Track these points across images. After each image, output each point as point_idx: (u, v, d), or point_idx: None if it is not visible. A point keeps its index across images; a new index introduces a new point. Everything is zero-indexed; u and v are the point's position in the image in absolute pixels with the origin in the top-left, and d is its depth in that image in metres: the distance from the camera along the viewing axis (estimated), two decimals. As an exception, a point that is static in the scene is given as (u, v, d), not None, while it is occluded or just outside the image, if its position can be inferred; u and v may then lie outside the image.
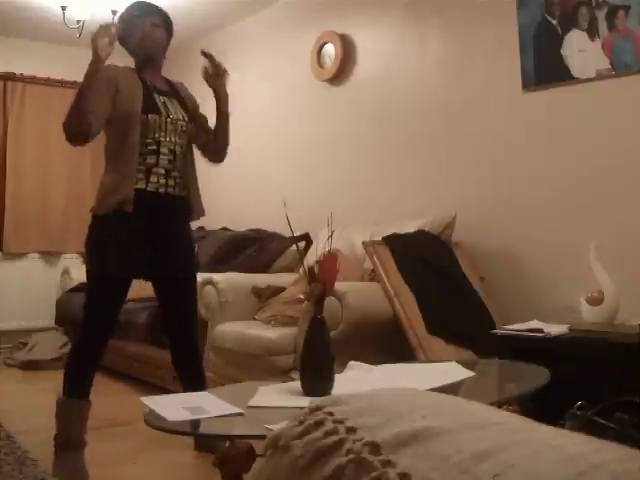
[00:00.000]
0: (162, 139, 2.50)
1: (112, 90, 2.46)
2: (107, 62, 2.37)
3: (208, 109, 2.72)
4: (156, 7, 2.67)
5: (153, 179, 2.50)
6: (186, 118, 2.60)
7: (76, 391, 2.54)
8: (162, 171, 2.52)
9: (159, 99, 2.56)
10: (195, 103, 2.76)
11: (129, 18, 2.61)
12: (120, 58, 2.58)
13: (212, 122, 2.72)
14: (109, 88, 2.45)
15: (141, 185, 2.49)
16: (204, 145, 2.73)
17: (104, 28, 2.30)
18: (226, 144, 2.71)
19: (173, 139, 2.53)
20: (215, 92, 2.60)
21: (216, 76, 2.56)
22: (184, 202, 2.61)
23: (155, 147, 2.50)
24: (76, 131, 2.40)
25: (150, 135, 2.49)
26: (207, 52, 2.54)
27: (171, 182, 2.54)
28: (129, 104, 2.47)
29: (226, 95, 2.61)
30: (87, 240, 2.57)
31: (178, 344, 2.75)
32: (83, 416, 2.56)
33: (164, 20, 2.66)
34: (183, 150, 2.58)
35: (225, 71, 2.57)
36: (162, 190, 2.52)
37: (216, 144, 2.70)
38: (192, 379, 2.67)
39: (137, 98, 2.49)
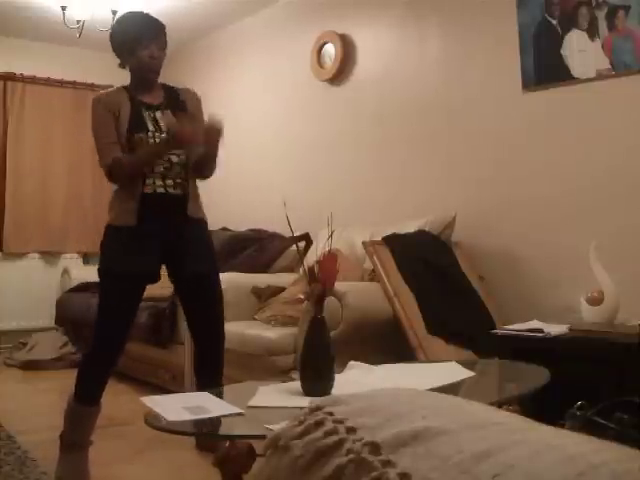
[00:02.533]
0: None
1: (113, 118, 2.50)
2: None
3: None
4: (161, 26, 2.58)
5: (149, 181, 2.51)
6: None
7: (87, 398, 2.53)
8: (157, 175, 2.51)
9: (149, 115, 2.53)
10: (198, 107, 2.70)
11: (136, 37, 2.52)
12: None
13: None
14: (113, 116, 2.50)
15: (139, 188, 2.51)
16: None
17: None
18: (206, 177, 2.67)
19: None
20: (208, 146, 2.55)
21: (214, 135, 2.52)
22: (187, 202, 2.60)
23: None
24: (126, 182, 2.52)
25: None
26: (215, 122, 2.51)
27: (169, 182, 2.53)
28: (121, 127, 2.49)
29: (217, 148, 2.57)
30: (100, 246, 2.61)
31: (200, 343, 2.72)
32: (92, 421, 2.56)
33: (165, 40, 2.61)
34: (182, 157, 2.56)
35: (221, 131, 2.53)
36: (161, 190, 2.52)
37: (195, 173, 2.64)
38: (208, 379, 2.62)
39: (124, 120, 2.49)
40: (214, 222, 4.86)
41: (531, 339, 2.59)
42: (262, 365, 3.29)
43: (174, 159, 2.53)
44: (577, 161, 3.13)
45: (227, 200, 5.27)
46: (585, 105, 3.09)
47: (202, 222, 2.68)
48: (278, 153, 4.97)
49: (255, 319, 3.74)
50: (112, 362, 2.54)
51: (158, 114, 2.55)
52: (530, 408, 1.96)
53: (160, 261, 2.60)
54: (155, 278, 2.61)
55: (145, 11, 2.64)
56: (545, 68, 3.22)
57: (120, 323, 2.52)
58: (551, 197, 3.22)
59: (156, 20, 2.59)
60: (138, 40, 2.51)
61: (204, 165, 2.61)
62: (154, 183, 2.52)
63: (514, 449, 0.45)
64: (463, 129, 3.64)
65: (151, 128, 2.51)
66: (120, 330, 2.53)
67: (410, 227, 3.43)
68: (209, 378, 2.63)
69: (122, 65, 2.62)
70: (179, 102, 2.63)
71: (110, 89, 2.62)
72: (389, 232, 3.33)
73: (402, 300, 2.97)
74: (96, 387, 2.53)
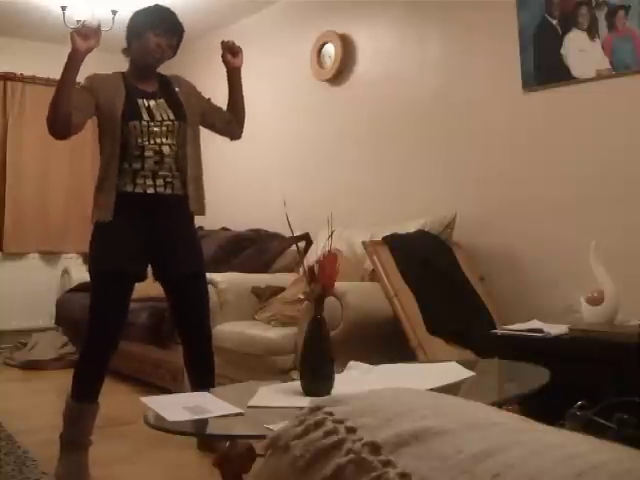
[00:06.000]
0: (146, 143, 2.49)
1: (93, 100, 2.48)
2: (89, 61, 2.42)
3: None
4: (180, 30, 2.61)
5: (139, 181, 2.51)
6: (172, 117, 2.56)
7: (85, 396, 2.54)
8: (148, 173, 2.51)
9: (143, 103, 2.53)
10: (197, 95, 2.74)
11: (154, 22, 2.54)
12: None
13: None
14: (91, 96, 2.49)
15: (129, 188, 2.50)
16: (224, 129, 2.87)
17: (92, 31, 2.36)
18: (244, 118, 2.93)
19: (159, 141, 2.51)
20: (229, 71, 2.79)
21: (232, 54, 2.78)
22: (178, 201, 2.59)
23: (139, 152, 2.50)
24: (57, 123, 2.41)
25: (133, 141, 2.49)
26: (225, 42, 2.74)
27: (159, 182, 2.53)
28: (110, 114, 2.48)
29: (239, 73, 2.85)
30: (89, 244, 2.61)
31: (189, 343, 2.74)
32: (91, 419, 2.56)
33: (179, 39, 2.63)
34: (175, 149, 2.56)
35: (240, 49, 2.82)
36: (151, 191, 2.52)
37: (236, 120, 2.87)
38: (201, 379, 2.65)
39: (117, 107, 2.48)
40: (214, 222, 4.88)
41: (531, 339, 2.59)
42: (262, 365, 3.29)
43: (165, 150, 2.53)
44: (577, 161, 3.13)
45: (227, 200, 5.26)
46: (585, 105, 3.09)
47: (193, 218, 2.69)
48: (278, 153, 4.97)
49: (255, 319, 3.74)
50: (106, 359, 2.55)
51: (152, 103, 2.56)
52: (530, 408, 1.96)
53: (145, 261, 2.60)
54: (140, 277, 2.62)
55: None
56: (545, 68, 3.22)
57: (109, 321, 2.53)
58: (551, 197, 3.22)
59: (180, 24, 2.62)
60: (154, 25, 2.55)
61: (237, 110, 2.81)
62: (144, 183, 2.52)
63: (514, 449, 0.45)
64: (463, 129, 3.64)
65: (145, 117, 2.52)
66: (110, 328, 2.53)
67: (410, 227, 3.44)
68: (203, 378, 2.64)
69: (127, 50, 2.63)
70: (172, 90, 2.64)
71: (108, 73, 2.61)
72: (389, 232, 3.33)
73: (402, 300, 2.97)
74: (92, 384, 2.55)
